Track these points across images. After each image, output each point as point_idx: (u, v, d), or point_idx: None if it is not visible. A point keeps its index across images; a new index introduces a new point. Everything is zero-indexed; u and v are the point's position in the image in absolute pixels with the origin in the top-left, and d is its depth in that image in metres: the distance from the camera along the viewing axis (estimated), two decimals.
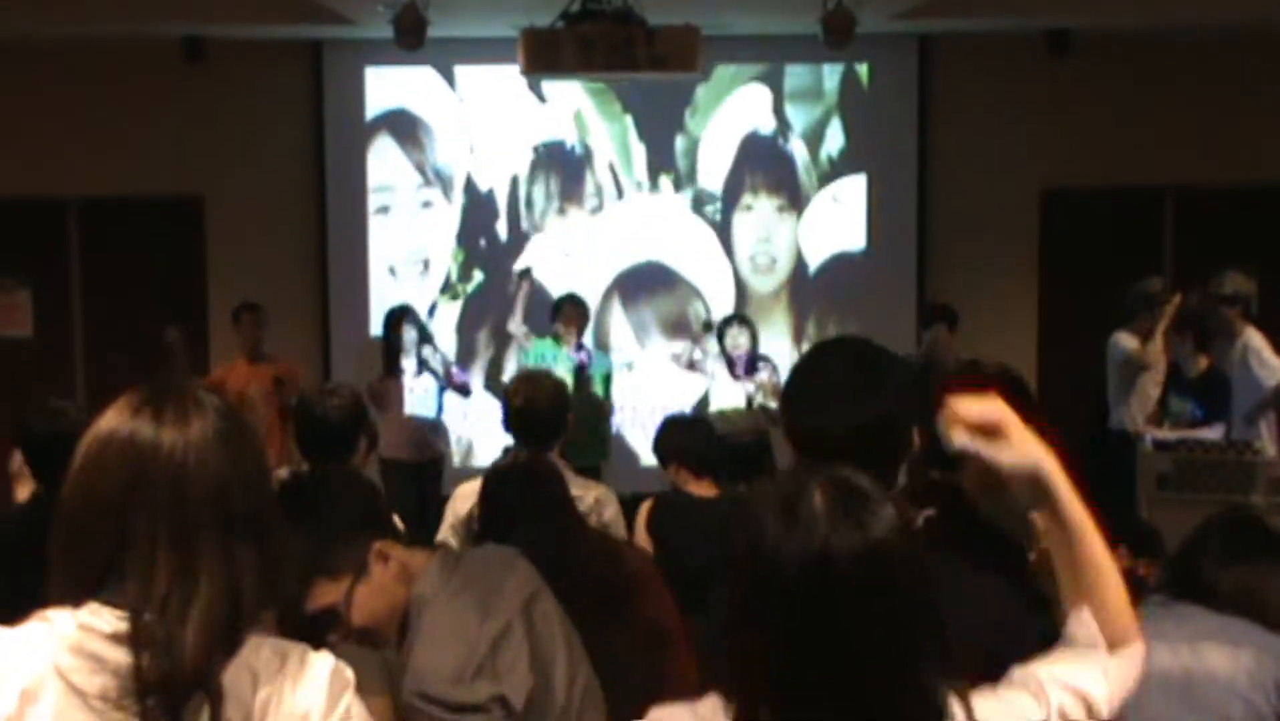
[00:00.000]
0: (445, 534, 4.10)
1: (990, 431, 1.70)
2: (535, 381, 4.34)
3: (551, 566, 2.59)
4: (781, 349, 8.64)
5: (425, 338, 7.48)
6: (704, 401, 7.84)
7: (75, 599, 1.54)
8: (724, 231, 8.96)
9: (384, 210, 8.93)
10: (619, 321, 8.97)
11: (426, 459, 7.32)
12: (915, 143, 8.90)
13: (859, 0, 7.03)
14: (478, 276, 8.96)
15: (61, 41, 8.54)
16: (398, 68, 8.63)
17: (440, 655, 2.30)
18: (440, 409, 7.44)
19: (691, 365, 8.02)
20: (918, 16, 8.00)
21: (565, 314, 7.56)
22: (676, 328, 8.92)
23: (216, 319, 8.84)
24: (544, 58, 6.33)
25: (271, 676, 1.56)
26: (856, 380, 2.10)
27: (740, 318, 7.90)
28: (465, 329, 8.94)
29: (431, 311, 8.65)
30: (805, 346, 8.94)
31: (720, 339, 7.70)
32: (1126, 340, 7.19)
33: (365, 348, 8.48)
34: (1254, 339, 6.88)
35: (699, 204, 8.92)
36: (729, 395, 7.40)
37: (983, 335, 8.39)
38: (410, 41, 7.14)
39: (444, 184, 8.93)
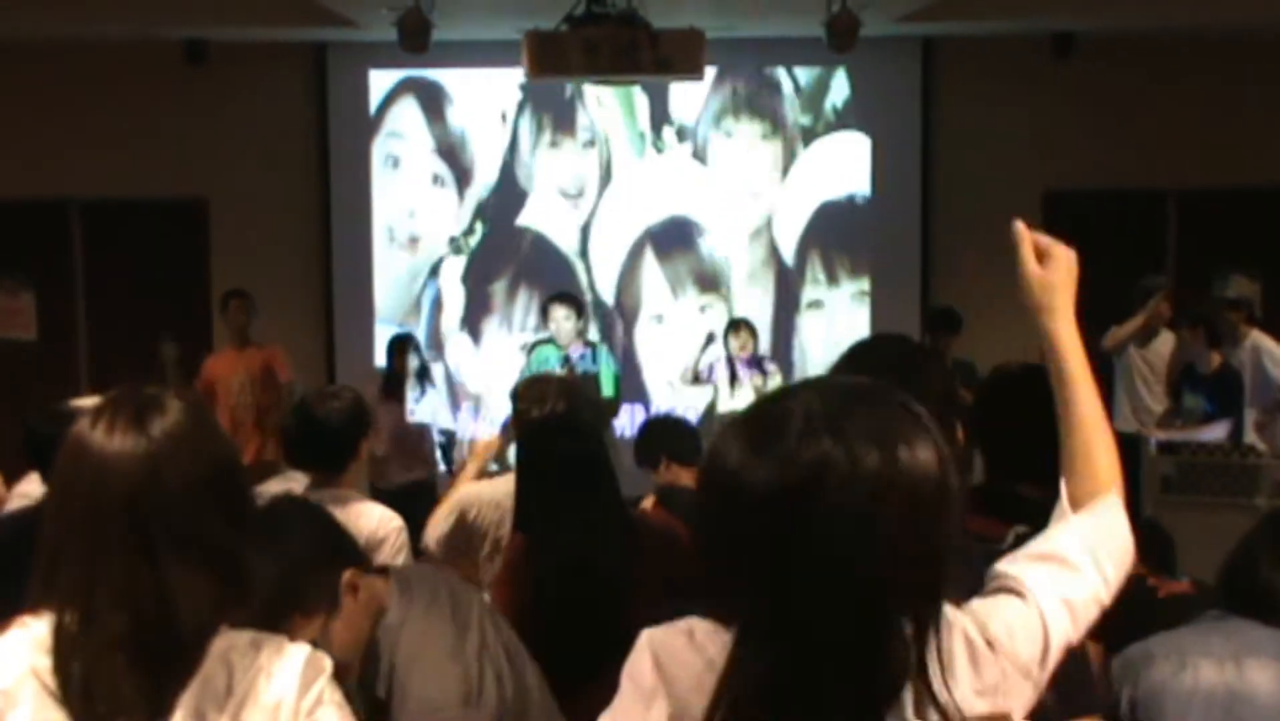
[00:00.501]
0: (437, 529, 4.04)
1: (1040, 254, 1.74)
2: (540, 382, 4.33)
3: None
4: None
5: (424, 372, 7.43)
6: (711, 408, 7.84)
7: (49, 604, 1.58)
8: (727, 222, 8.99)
9: (393, 168, 8.95)
10: (650, 274, 9.00)
11: (414, 479, 7.17)
12: (919, 145, 8.90)
13: (862, 3, 7.03)
14: (480, 230, 8.97)
15: (65, 44, 8.55)
16: (401, 71, 8.66)
17: (444, 680, 2.22)
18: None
19: (697, 378, 7.93)
20: (921, 19, 8.00)
21: (554, 315, 7.36)
22: (701, 281, 8.97)
23: (220, 321, 8.85)
24: (549, 61, 6.33)
25: (246, 668, 1.58)
26: (890, 379, 2.08)
27: (743, 322, 7.89)
28: (472, 283, 8.98)
29: (435, 270, 8.44)
30: (807, 353, 8.95)
31: (724, 343, 7.72)
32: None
33: (369, 349, 8.49)
34: (1264, 341, 6.91)
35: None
36: (734, 401, 7.39)
37: (986, 338, 8.37)
38: (414, 45, 7.13)
39: (451, 162, 8.94)
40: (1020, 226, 1.78)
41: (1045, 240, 1.76)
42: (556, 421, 3.39)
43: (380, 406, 7.08)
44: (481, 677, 2.25)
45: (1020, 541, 2.20)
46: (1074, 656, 1.67)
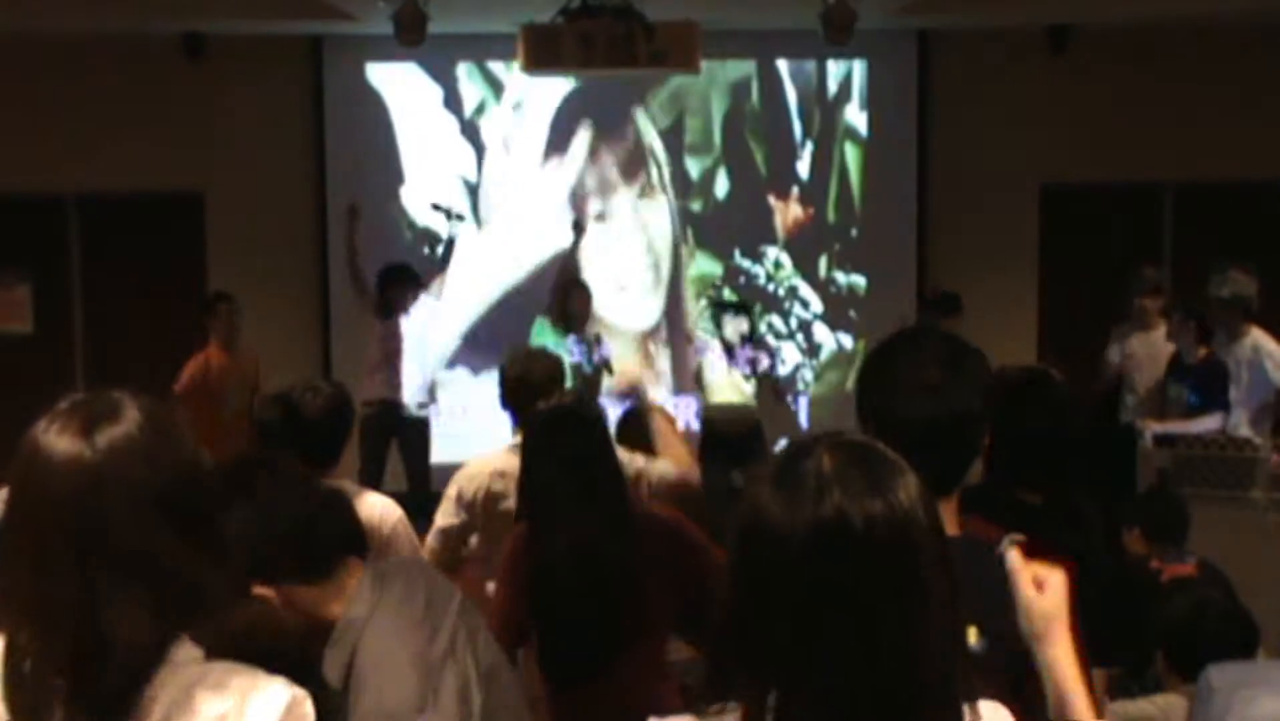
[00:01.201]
0: (445, 519, 4.06)
1: (1038, 582, 1.81)
2: (533, 355, 4.36)
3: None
4: (787, 346, 8.67)
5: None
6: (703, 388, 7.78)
7: (6, 620, 1.49)
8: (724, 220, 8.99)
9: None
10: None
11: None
12: (915, 138, 8.90)
13: None
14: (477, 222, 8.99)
15: (61, 38, 8.53)
16: (398, 64, 8.65)
17: (401, 687, 2.16)
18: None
19: (698, 379, 7.81)
20: (917, 12, 8.01)
21: (577, 299, 7.46)
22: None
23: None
24: (544, 54, 6.33)
25: (212, 708, 1.48)
26: (941, 372, 2.07)
27: (739, 304, 7.80)
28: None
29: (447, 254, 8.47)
30: (808, 340, 8.96)
31: (718, 324, 7.58)
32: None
33: (366, 344, 8.47)
34: (1265, 342, 6.91)
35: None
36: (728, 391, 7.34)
37: (982, 330, 8.38)
38: (411, 38, 7.13)
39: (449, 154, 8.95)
40: (1014, 556, 1.83)
41: (1042, 570, 1.82)
42: (563, 412, 3.40)
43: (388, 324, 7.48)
44: (440, 686, 2.19)
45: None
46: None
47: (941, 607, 1.38)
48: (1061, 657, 1.76)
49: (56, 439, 1.48)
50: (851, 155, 8.94)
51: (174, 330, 8.36)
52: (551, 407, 3.44)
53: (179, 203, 8.92)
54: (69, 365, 9.05)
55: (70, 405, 1.52)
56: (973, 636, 1.93)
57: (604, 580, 3.13)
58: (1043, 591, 1.79)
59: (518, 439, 3.85)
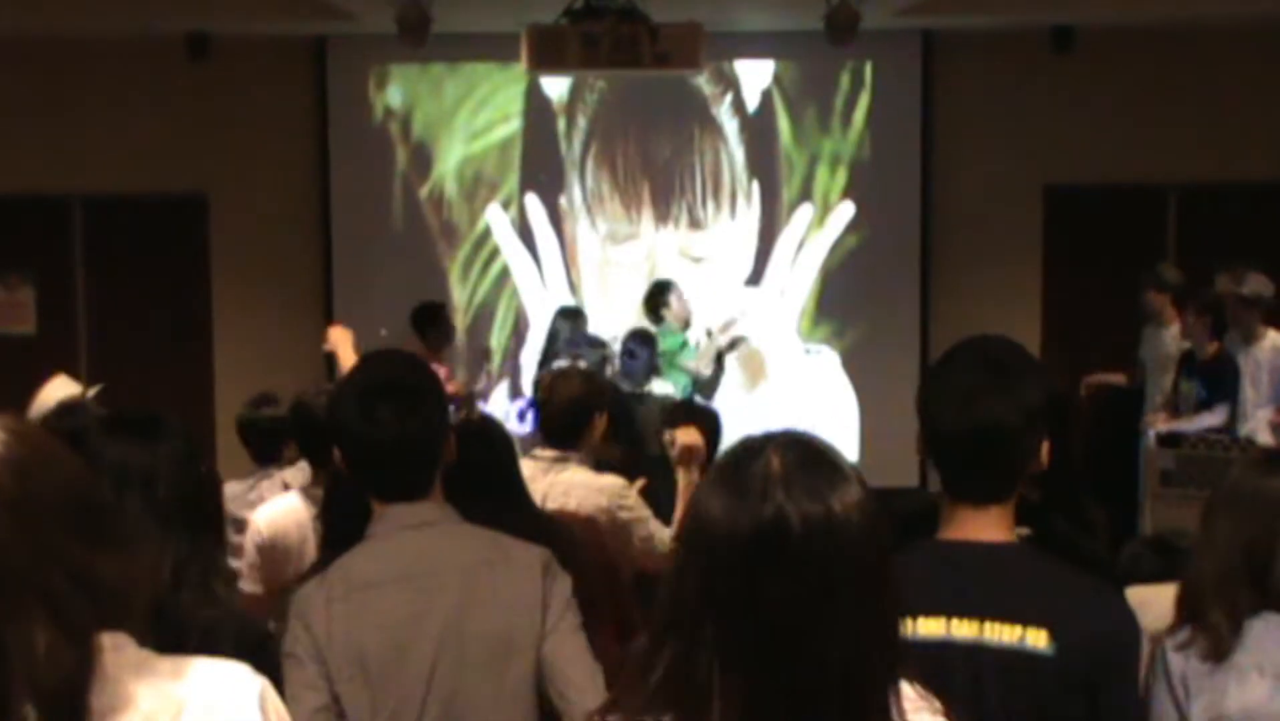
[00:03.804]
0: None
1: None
2: (562, 376, 4.34)
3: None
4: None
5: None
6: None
7: None
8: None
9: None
10: None
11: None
12: (919, 139, 8.89)
13: None
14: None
15: (65, 38, 8.54)
16: (401, 65, 8.66)
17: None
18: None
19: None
20: (921, 13, 8.00)
21: (670, 297, 7.56)
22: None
23: (220, 316, 8.87)
24: (548, 54, 6.33)
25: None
26: (980, 381, 2.05)
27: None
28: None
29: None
30: (810, 342, 8.95)
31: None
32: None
33: (370, 344, 8.46)
34: None
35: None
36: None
37: (985, 330, 8.36)
38: (414, 38, 7.13)
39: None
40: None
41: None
42: (468, 428, 3.43)
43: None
44: None
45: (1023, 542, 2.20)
46: None
47: (867, 617, 1.39)
48: None
49: None
50: (855, 156, 8.93)
51: (177, 331, 8.37)
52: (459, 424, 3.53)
53: (182, 204, 8.92)
54: (72, 367, 9.03)
55: None
56: (1044, 640, 1.92)
57: None
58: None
59: None
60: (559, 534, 3.27)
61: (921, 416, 2.11)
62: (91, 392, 4.63)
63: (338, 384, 2.76)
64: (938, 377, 2.14)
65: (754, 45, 8.75)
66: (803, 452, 1.43)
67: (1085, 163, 8.83)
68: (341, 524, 3.13)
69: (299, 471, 4.09)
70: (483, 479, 3.22)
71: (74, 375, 8.85)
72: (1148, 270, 7.64)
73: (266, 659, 2.21)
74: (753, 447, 1.44)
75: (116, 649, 1.43)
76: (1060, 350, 8.68)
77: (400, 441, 2.39)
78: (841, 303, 8.94)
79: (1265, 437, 6.71)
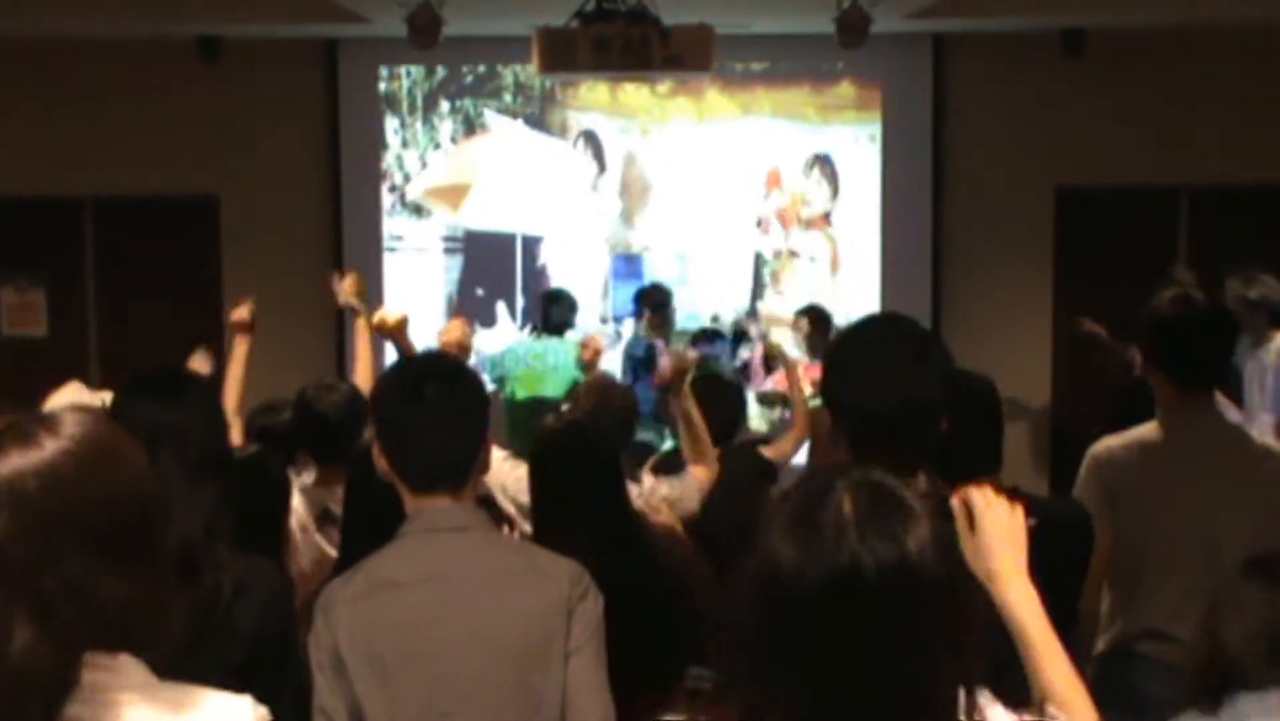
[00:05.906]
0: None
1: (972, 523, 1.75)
2: (604, 393, 4.36)
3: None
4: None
5: None
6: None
7: None
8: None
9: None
10: None
11: None
12: (929, 142, 8.88)
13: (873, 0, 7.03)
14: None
15: (76, 41, 8.56)
16: (412, 66, 8.66)
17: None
18: None
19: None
20: (932, 16, 7.98)
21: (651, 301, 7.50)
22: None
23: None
24: (559, 57, 6.33)
25: None
26: (908, 359, 2.11)
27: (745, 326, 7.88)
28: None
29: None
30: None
31: (735, 345, 7.67)
32: None
33: (379, 347, 8.45)
34: None
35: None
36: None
37: (996, 334, 8.39)
38: (425, 40, 7.14)
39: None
40: (955, 502, 1.77)
41: (978, 506, 1.75)
42: (566, 431, 3.43)
43: None
44: None
45: None
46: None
47: (948, 655, 1.37)
48: (1010, 595, 1.70)
49: None
50: (865, 158, 8.92)
51: (188, 333, 8.34)
52: (557, 426, 3.52)
53: (194, 206, 8.94)
54: (83, 369, 9.05)
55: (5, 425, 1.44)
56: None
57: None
58: (975, 531, 1.74)
59: None
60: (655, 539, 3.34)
61: (837, 394, 2.13)
62: (105, 398, 4.61)
63: (382, 371, 2.82)
64: (857, 356, 2.16)
65: (764, 48, 8.74)
66: (873, 493, 1.40)
67: (1097, 164, 8.81)
68: (358, 518, 3.14)
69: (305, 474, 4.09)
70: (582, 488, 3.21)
71: (84, 377, 8.90)
72: (1161, 273, 7.59)
73: (293, 611, 2.44)
74: (821, 489, 1.41)
75: (113, 669, 1.42)
76: (1071, 352, 8.67)
77: (445, 421, 2.36)
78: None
79: (1269, 441, 6.69)
